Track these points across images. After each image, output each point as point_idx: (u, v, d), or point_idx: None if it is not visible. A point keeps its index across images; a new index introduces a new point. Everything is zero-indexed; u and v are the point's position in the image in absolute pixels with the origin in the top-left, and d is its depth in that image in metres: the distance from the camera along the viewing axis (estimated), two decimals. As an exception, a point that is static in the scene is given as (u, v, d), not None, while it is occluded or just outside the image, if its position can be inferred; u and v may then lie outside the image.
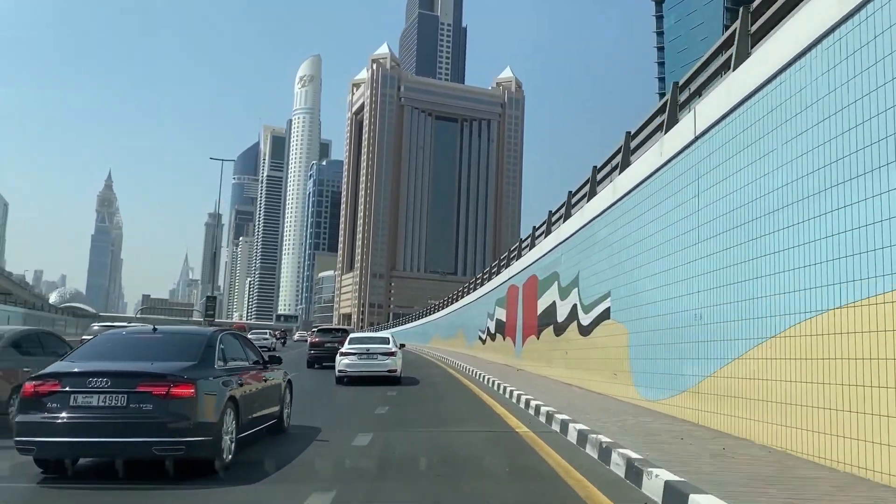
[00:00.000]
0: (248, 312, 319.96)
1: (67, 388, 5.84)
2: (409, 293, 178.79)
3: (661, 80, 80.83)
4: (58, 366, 6.29)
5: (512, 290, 23.98)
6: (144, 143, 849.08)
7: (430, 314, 56.78)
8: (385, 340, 18.04)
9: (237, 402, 6.70)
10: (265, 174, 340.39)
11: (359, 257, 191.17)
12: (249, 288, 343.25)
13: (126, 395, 5.80)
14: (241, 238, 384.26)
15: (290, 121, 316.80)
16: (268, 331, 45.62)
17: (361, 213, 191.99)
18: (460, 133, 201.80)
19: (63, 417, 5.76)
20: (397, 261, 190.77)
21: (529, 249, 21.89)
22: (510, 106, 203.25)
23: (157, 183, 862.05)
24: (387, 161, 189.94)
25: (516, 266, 23.46)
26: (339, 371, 16.98)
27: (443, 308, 49.33)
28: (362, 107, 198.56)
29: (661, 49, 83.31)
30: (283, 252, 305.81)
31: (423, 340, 53.01)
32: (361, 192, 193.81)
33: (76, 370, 6.05)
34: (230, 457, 6.41)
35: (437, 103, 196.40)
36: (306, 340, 30.92)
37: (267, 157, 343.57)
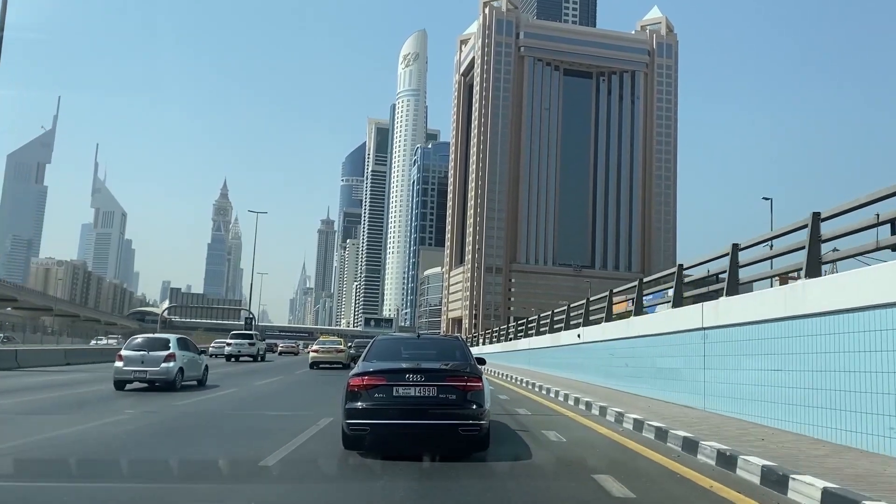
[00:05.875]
0: (354, 318, 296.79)
1: (391, 382, 7.10)
2: (534, 291, 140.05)
3: None
4: (365, 365, 7.50)
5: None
6: (258, 152, 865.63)
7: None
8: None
9: None
10: (369, 170, 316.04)
11: (469, 247, 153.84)
12: (356, 292, 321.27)
13: (436, 387, 7.09)
14: (348, 241, 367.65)
15: (394, 105, 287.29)
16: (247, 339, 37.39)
17: (472, 194, 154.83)
18: (595, 90, 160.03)
19: (390, 405, 7.03)
20: (518, 251, 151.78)
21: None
22: (659, 53, 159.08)
23: (273, 192, 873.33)
24: (503, 128, 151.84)
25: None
26: None
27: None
28: (472, 64, 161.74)
29: None
30: (388, 251, 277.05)
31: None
32: (472, 168, 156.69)
33: (395, 367, 7.37)
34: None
35: (566, 52, 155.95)
36: None
37: (372, 152, 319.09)
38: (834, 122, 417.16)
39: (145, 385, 16.37)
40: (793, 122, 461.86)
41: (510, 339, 33.66)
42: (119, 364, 16.26)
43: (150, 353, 16.35)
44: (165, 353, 16.42)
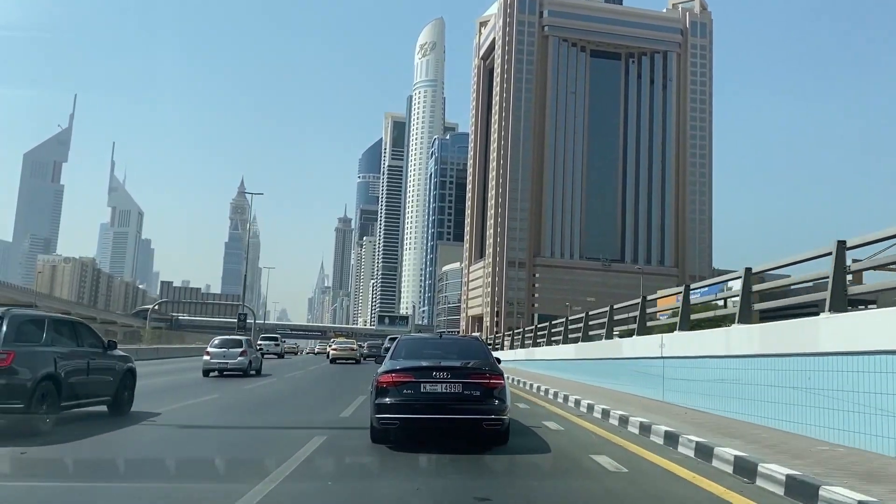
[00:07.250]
0: (371, 316, 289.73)
1: (419, 379, 7.48)
2: (560, 287, 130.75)
3: None
4: (393, 364, 7.86)
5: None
6: (275, 150, 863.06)
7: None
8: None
9: None
10: (386, 165, 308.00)
11: (490, 241, 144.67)
12: (373, 290, 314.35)
13: (461, 384, 7.45)
14: (364, 238, 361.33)
15: (411, 97, 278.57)
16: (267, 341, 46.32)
17: (493, 184, 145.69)
18: (624, 72, 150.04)
19: (418, 400, 7.41)
20: (542, 245, 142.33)
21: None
22: (693, 32, 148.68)
23: (291, 190, 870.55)
24: (525, 113, 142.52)
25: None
26: None
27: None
28: (492, 46, 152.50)
29: None
30: (405, 247, 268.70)
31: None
32: (492, 157, 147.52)
33: (422, 365, 7.67)
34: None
35: (593, 31, 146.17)
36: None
37: (388, 147, 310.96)
38: (886, 110, 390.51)
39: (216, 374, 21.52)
40: (839, 109, 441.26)
41: (580, 339, 19.68)
42: (206, 358, 21.51)
43: (230, 349, 21.62)
44: (240, 349, 21.68)
